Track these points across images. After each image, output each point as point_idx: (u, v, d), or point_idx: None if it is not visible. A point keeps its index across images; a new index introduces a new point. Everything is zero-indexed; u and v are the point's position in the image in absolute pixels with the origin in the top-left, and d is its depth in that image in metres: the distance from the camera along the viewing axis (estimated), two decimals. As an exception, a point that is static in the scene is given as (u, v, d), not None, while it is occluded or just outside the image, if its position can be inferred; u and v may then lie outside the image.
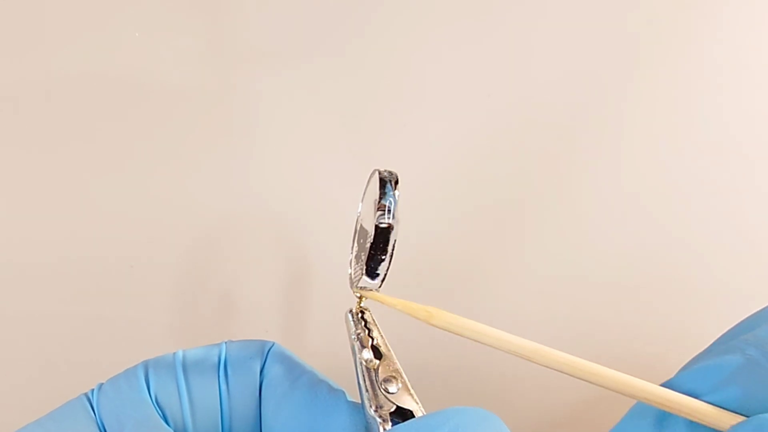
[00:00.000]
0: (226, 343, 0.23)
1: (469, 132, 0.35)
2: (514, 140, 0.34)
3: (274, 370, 0.23)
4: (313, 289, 0.35)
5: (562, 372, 0.21)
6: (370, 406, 0.21)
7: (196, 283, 0.34)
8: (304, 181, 0.34)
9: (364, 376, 0.22)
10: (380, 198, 0.21)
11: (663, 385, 0.21)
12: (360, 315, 0.23)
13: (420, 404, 0.22)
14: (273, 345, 0.24)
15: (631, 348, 0.35)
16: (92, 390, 0.22)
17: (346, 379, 0.23)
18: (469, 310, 0.33)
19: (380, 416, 0.21)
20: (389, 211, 0.21)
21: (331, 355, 0.31)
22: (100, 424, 0.21)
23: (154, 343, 0.33)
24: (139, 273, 0.33)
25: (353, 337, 0.23)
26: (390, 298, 0.22)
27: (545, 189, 0.35)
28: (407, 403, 0.22)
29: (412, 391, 0.22)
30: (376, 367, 0.22)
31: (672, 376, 0.22)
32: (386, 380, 0.22)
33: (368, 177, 0.23)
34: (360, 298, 0.23)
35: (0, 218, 0.33)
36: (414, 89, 0.34)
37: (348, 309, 0.23)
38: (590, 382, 0.21)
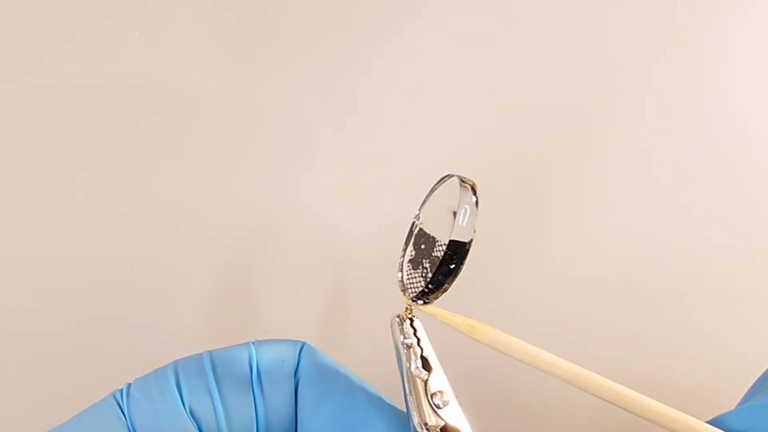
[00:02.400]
0: (254, 344, 0.22)
1: (477, 131, 0.34)
2: (520, 139, 0.34)
3: (307, 372, 0.22)
4: (313, 288, 0.33)
5: (606, 400, 0.21)
6: (418, 422, 0.20)
7: (201, 283, 0.33)
8: (312, 183, 0.34)
9: (411, 388, 0.21)
10: (463, 210, 0.20)
11: (710, 422, 0.20)
12: (410, 322, 0.22)
13: (468, 422, 0.21)
14: (303, 345, 0.23)
15: (641, 356, 0.33)
16: (120, 392, 0.21)
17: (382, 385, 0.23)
18: (472, 314, 0.33)
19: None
20: (472, 224, 0.20)
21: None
22: None
23: (157, 344, 0.32)
24: (139, 272, 0.32)
25: (403, 346, 0.21)
26: (431, 307, 0.21)
27: (555, 188, 0.34)
28: (456, 420, 0.21)
29: (459, 408, 0.21)
30: (425, 379, 0.21)
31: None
32: (435, 394, 0.21)
33: (438, 180, 0.22)
34: (409, 305, 0.22)
35: (2, 218, 0.32)
36: (420, 87, 0.34)
37: (395, 315, 0.22)
38: (635, 414, 0.20)
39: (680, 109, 0.35)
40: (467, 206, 0.20)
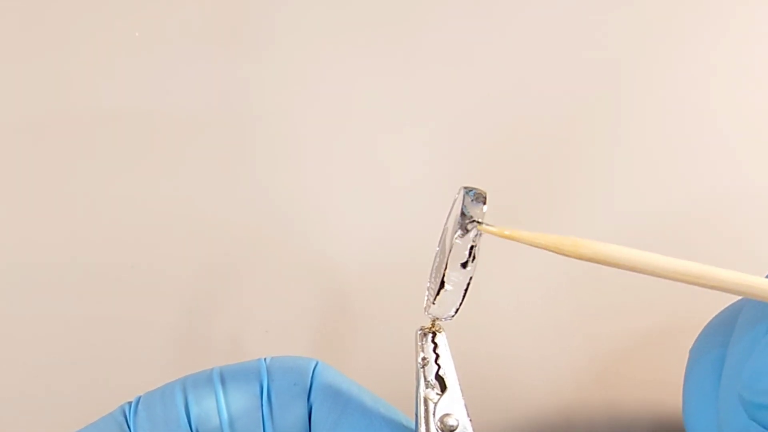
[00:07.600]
0: (266, 363, 0.21)
1: (475, 136, 0.33)
2: (520, 140, 0.33)
3: (321, 394, 0.21)
4: (308, 289, 0.33)
5: (739, 293, 0.18)
6: None
7: (201, 283, 0.32)
8: (310, 186, 0.33)
9: (419, 408, 0.20)
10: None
11: None
12: (431, 337, 0.21)
13: None
14: (317, 365, 0.22)
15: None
16: (128, 405, 0.20)
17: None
18: (476, 317, 0.32)
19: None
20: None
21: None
22: None
23: (158, 343, 0.32)
24: (140, 272, 0.31)
25: (418, 362, 0.21)
26: (521, 233, 0.18)
27: (556, 189, 0.33)
28: None
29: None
30: (436, 402, 0.20)
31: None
32: (445, 416, 0.20)
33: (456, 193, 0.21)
34: (434, 319, 0.21)
35: (2, 219, 0.32)
36: (421, 84, 0.33)
37: (419, 327, 0.21)
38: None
39: (682, 108, 0.34)
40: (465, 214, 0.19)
